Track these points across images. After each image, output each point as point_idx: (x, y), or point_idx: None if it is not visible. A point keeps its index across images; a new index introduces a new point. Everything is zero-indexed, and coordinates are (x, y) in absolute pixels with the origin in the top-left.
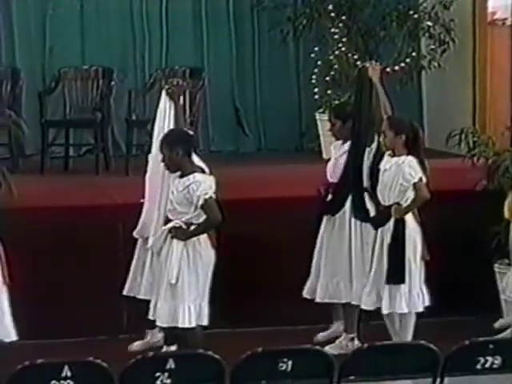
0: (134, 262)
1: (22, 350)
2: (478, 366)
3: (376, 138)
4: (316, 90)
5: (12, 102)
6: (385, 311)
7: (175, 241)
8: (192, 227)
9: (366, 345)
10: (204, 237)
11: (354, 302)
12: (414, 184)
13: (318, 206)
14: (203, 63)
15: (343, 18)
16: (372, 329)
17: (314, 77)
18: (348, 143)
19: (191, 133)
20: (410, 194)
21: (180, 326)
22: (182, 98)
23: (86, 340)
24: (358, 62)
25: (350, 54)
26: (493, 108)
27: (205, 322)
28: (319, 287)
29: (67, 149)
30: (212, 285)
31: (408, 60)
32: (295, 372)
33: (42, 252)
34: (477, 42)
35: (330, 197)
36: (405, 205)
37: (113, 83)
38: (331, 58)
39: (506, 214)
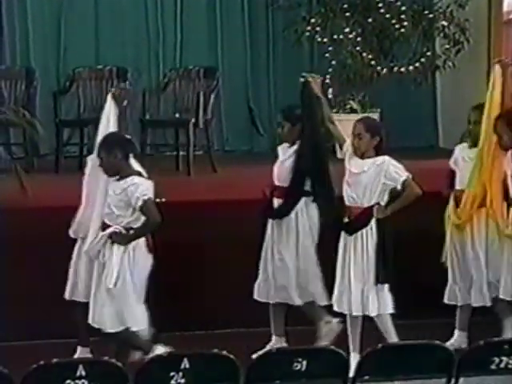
0: (72, 264)
1: (36, 349)
2: (493, 367)
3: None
4: (330, 90)
5: (26, 101)
6: (373, 313)
7: (115, 246)
8: (131, 232)
9: (380, 345)
10: (141, 241)
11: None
12: (404, 182)
13: (262, 209)
14: (217, 63)
15: (358, 17)
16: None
17: (328, 77)
18: (295, 146)
19: (129, 137)
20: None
21: (127, 328)
22: (126, 101)
23: (101, 340)
24: (373, 62)
25: (364, 54)
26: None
27: (144, 326)
28: (273, 290)
29: (82, 148)
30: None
31: (423, 60)
32: (310, 371)
33: (56, 251)
34: (491, 42)
35: (278, 201)
36: (383, 204)
37: (127, 83)
38: (346, 57)
39: (446, 220)
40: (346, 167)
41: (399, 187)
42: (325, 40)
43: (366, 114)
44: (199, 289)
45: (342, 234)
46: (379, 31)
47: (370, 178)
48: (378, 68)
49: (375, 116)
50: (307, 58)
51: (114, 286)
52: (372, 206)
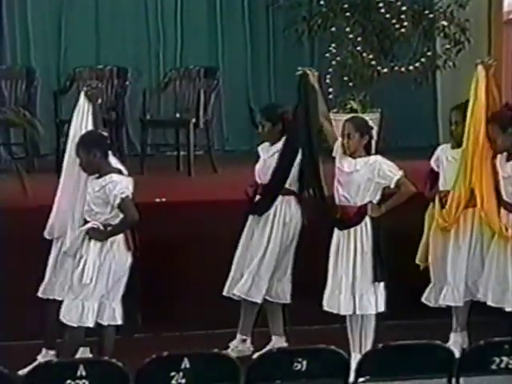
0: (50, 262)
1: (36, 349)
2: (494, 366)
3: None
4: (331, 89)
5: (27, 101)
6: (369, 311)
7: (92, 242)
8: (109, 228)
9: (380, 345)
10: (119, 238)
11: (271, 299)
12: (398, 180)
13: (246, 208)
14: (218, 63)
15: (358, 17)
16: (384, 329)
17: (328, 76)
18: (277, 145)
19: (106, 134)
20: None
21: (84, 325)
22: (99, 100)
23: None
24: (373, 62)
25: (365, 54)
26: None
27: (119, 322)
28: (240, 284)
29: None
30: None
31: (423, 60)
32: (310, 371)
33: None
34: (492, 42)
35: (258, 197)
36: (375, 202)
37: (127, 83)
38: (346, 57)
39: (427, 220)
40: (336, 166)
41: (393, 186)
42: (325, 40)
43: (366, 114)
44: (201, 288)
45: (335, 233)
46: (379, 31)
47: (363, 176)
48: (379, 68)
49: (376, 116)
50: (308, 57)
51: (90, 282)
52: (365, 205)
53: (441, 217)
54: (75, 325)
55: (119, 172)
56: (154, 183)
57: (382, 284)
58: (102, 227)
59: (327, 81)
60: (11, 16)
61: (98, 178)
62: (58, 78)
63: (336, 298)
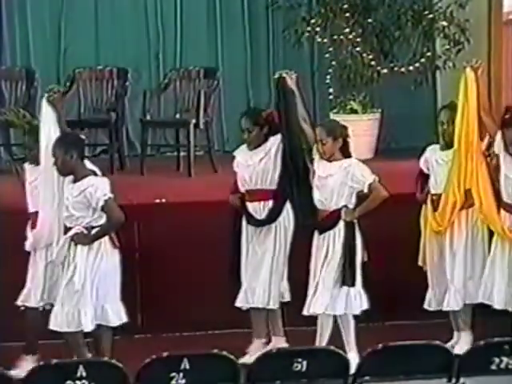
0: (30, 271)
1: (41, 349)
2: (493, 367)
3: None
4: (331, 90)
5: (27, 102)
6: (338, 312)
7: (79, 247)
8: (93, 231)
9: (380, 345)
10: (106, 238)
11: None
12: (370, 185)
13: (237, 217)
14: (218, 63)
15: (358, 17)
16: (385, 329)
17: (328, 77)
18: (262, 149)
19: (84, 137)
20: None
21: (83, 329)
22: (61, 104)
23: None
24: (373, 62)
25: (364, 54)
26: None
27: (113, 324)
28: (256, 296)
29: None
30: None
31: (423, 60)
32: (310, 372)
33: None
34: (492, 42)
35: (254, 205)
36: (351, 207)
37: (127, 83)
38: (346, 58)
39: (422, 223)
40: (313, 170)
41: (365, 190)
42: (325, 40)
43: (366, 115)
44: (201, 289)
45: (315, 236)
46: (379, 31)
47: (337, 181)
48: (379, 68)
49: (376, 116)
50: (307, 58)
51: (81, 288)
52: (339, 210)
53: (434, 220)
54: (74, 330)
55: (94, 174)
56: (154, 184)
57: (356, 287)
58: (85, 231)
59: (327, 81)
60: (11, 16)
61: (75, 181)
62: (58, 78)
63: (310, 299)
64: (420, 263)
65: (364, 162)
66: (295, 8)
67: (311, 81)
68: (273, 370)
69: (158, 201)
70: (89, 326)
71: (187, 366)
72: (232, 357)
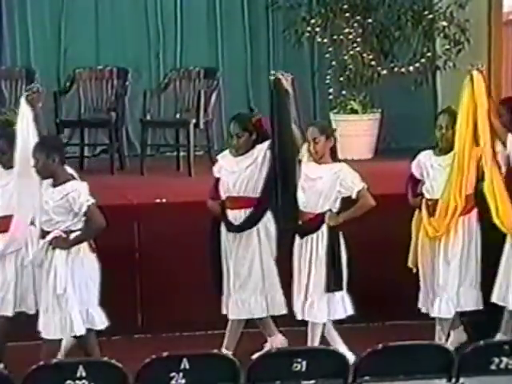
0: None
1: (36, 349)
2: (493, 367)
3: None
4: (331, 90)
5: None
6: (317, 320)
7: (57, 251)
8: (72, 235)
9: (380, 345)
10: (84, 243)
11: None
12: (358, 192)
13: (215, 223)
14: (218, 63)
15: (358, 18)
16: (385, 329)
17: (328, 77)
18: (249, 155)
19: (64, 140)
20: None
21: (76, 334)
22: (40, 104)
23: (101, 340)
24: (373, 62)
25: (364, 55)
26: None
27: (99, 327)
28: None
29: (82, 149)
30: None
31: (423, 60)
32: (309, 372)
33: None
34: (492, 42)
35: (234, 212)
36: (334, 211)
37: (127, 83)
38: (346, 58)
39: (414, 228)
40: (301, 172)
41: (354, 196)
42: (325, 40)
43: (366, 115)
44: (201, 289)
45: (296, 239)
46: (379, 31)
47: (326, 184)
48: (379, 68)
49: (376, 116)
50: (307, 58)
51: (63, 292)
52: (323, 213)
53: (431, 226)
54: (63, 337)
55: (73, 178)
56: (154, 184)
57: (340, 293)
58: (64, 235)
59: (327, 81)
60: (11, 17)
61: (55, 185)
62: (58, 78)
63: (302, 305)
64: (410, 265)
65: (364, 162)
66: (295, 8)
67: (311, 81)
68: (272, 370)
69: (158, 201)
70: (81, 330)
71: (187, 366)
72: (232, 357)
